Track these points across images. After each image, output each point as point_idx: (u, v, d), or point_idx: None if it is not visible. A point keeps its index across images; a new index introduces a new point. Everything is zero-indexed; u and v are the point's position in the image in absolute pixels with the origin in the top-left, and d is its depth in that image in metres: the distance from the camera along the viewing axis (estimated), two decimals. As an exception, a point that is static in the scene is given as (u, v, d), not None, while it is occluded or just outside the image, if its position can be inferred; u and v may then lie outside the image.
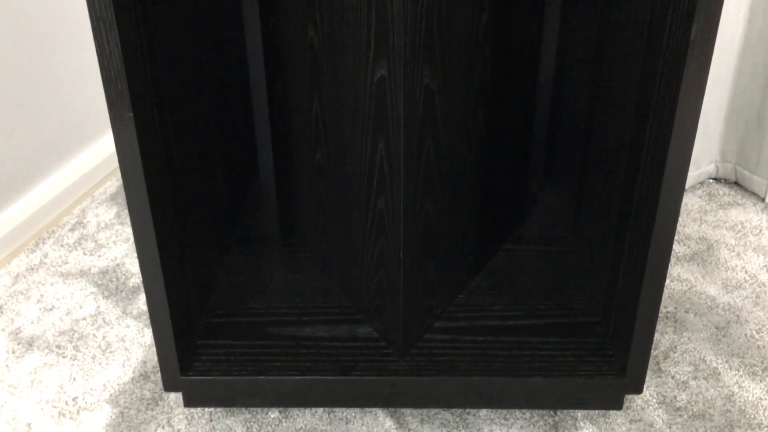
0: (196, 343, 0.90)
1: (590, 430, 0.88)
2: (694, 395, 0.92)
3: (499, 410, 0.90)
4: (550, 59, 1.07)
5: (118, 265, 1.15)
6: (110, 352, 0.97)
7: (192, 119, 0.90)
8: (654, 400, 0.92)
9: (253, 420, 0.89)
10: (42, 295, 1.08)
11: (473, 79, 0.84)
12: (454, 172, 0.87)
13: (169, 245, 0.83)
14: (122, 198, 1.34)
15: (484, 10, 0.81)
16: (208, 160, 0.97)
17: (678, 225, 1.25)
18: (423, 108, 0.77)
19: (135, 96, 0.71)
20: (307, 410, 0.90)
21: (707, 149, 1.34)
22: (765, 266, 1.13)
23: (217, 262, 1.02)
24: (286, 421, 0.89)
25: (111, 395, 0.92)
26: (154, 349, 0.96)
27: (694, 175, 1.34)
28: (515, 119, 1.00)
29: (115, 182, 1.38)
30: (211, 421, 0.89)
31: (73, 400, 0.91)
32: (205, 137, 0.96)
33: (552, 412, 0.90)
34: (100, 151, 1.40)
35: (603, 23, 0.89)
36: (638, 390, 0.85)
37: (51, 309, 1.05)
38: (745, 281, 1.10)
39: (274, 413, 0.90)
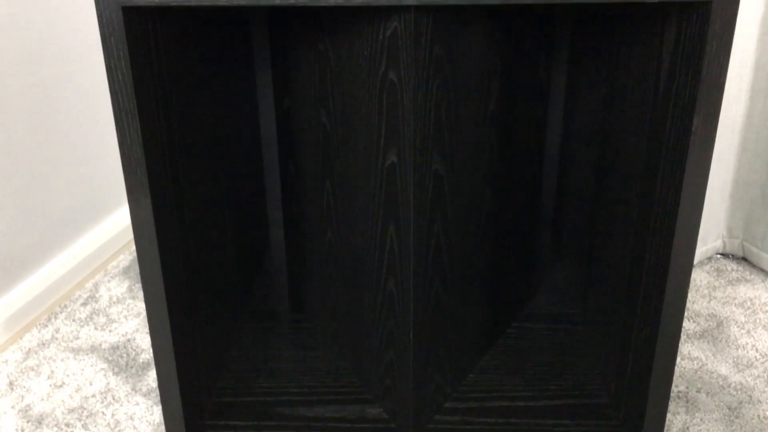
0: (206, 423, 0.90)
1: None
2: (708, 479, 0.90)
3: (511, 494, 0.89)
4: (555, 139, 1.10)
5: (128, 340, 1.16)
6: (119, 430, 0.97)
7: (207, 197, 0.92)
8: (668, 485, 0.90)
9: (261, 503, 0.88)
10: (52, 371, 1.09)
11: (481, 163, 0.86)
12: (463, 253, 0.88)
13: (181, 322, 0.84)
14: (135, 272, 1.35)
15: (490, 98, 0.84)
16: (221, 237, 0.99)
17: (687, 301, 1.25)
18: (432, 192, 0.79)
19: (153, 183, 0.74)
20: (316, 493, 0.89)
21: (714, 225, 1.35)
22: (776, 344, 1.13)
23: (228, 339, 1.03)
24: (294, 505, 0.87)
25: (118, 476, 0.91)
26: (162, 428, 0.96)
27: (701, 250, 1.35)
28: (523, 198, 1.02)
29: (128, 256, 1.40)
30: (219, 504, 0.88)
31: (81, 480, 0.90)
32: (218, 215, 0.98)
33: (564, 497, 0.88)
34: (114, 225, 1.42)
35: (607, 108, 0.92)
36: (651, 474, 0.84)
37: (61, 385, 1.06)
38: (756, 360, 1.10)
39: (282, 496, 0.89)
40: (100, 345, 1.15)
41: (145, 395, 1.03)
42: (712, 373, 1.07)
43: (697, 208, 0.74)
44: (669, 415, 0.98)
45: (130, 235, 1.43)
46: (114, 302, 1.26)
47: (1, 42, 1.11)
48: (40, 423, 0.99)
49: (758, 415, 0.99)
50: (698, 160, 0.71)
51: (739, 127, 1.28)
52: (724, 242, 1.37)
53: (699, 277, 1.31)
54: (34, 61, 1.18)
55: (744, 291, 1.27)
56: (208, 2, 0.64)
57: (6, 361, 1.11)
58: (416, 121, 0.74)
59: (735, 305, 1.23)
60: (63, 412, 1.00)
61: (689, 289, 1.30)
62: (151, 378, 1.06)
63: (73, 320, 1.21)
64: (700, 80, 0.67)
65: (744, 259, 1.36)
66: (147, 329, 1.17)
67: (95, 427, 0.98)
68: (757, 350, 1.12)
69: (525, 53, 0.90)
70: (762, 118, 1.26)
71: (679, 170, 0.72)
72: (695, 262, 1.35)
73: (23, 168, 1.18)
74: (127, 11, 0.65)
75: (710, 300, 1.25)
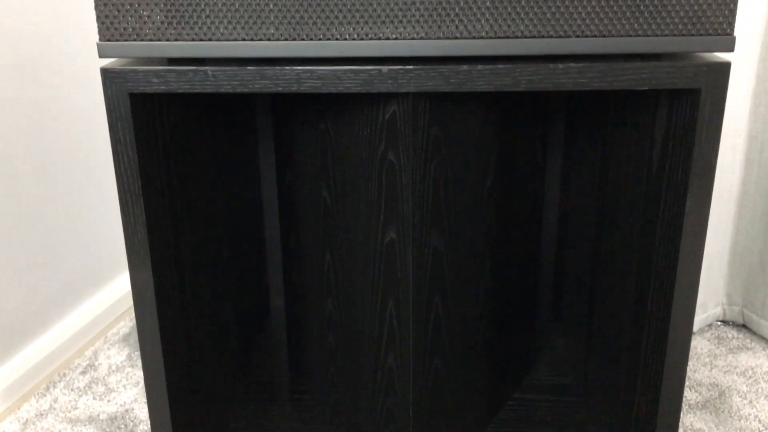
0: (203, 500, 0.89)
1: None
2: None
3: None
4: (553, 213, 1.11)
5: (127, 410, 1.15)
6: (115, 506, 0.96)
7: (208, 267, 0.93)
8: None
9: None
10: (49, 443, 1.08)
11: (479, 239, 0.87)
12: (463, 327, 0.88)
13: (180, 394, 0.84)
14: (135, 339, 1.35)
15: (488, 175, 0.85)
16: (221, 306, 1.00)
17: (688, 370, 1.24)
18: (431, 269, 0.80)
19: (155, 259, 0.75)
20: None
21: (713, 292, 1.35)
22: (779, 416, 1.12)
23: (226, 410, 1.02)
24: None
25: None
26: (159, 504, 0.95)
27: (701, 318, 1.34)
28: (521, 271, 1.03)
29: (128, 322, 1.40)
30: None
31: None
32: (219, 284, 0.99)
33: None
34: (114, 291, 1.42)
35: (602, 185, 0.94)
36: None
37: (57, 458, 1.05)
38: (760, 431, 1.09)
39: None
40: (98, 416, 1.14)
41: (142, 469, 1.02)
42: (716, 446, 1.06)
43: (693, 282, 0.75)
44: (672, 491, 0.97)
45: (131, 302, 1.43)
46: (113, 371, 1.25)
47: (8, 111, 1.13)
48: (35, 498, 0.97)
49: (763, 491, 0.98)
50: (692, 240, 0.72)
51: (735, 196, 1.30)
52: (723, 309, 1.37)
53: (700, 345, 1.31)
54: (39, 131, 1.21)
55: (745, 359, 1.27)
56: (212, 89, 0.67)
57: (3, 433, 1.10)
58: (415, 200, 0.75)
59: (736, 374, 1.23)
60: (58, 487, 0.99)
61: (690, 358, 1.30)
62: (149, 450, 1.05)
63: (72, 389, 1.20)
64: (692, 164, 0.68)
65: (744, 327, 1.36)
66: (146, 399, 1.16)
67: (91, 502, 0.96)
68: (759, 421, 1.11)
69: (521, 131, 0.92)
70: (757, 187, 1.28)
71: (673, 249, 0.74)
72: (695, 329, 1.35)
73: (24, 235, 1.20)
74: (135, 98, 0.67)
75: (711, 368, 1.24)
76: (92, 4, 0.62)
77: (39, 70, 1.19)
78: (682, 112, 0.69)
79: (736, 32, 1.16)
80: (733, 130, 1.25)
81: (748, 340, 1.32)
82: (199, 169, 0.88)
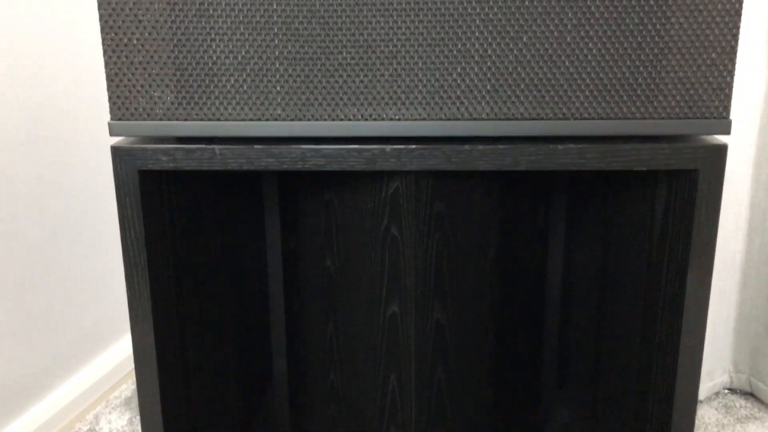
0: None
1: None
2: None
3: None
4: (556, 280, 1.11)
5: (126, 478, 1.13)
6: None
7: (211, 332, 0.93)
8: None
9: None
10: None
11: (482, 309, 0.88)
12: (466, 398, 0.88)
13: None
14: (137, 402, 1.34)
15: (490, 245, 0.86)
16: (223, 371, 0.99)
17: (696, 441, 1.22)
18: (434, 341, 0.80)
19: (159, 328, 0.75)
20: None
21: (720, 360, 1.34)
22: (789, 491, 1.09)
23: (226, 482, 1.01)
24: None
25: None
26: None
27: (708, 386, 1.33)
28: (525, 338, 1.03)
29: (130, 385, 1.40)
30: None
31: None
32: (222, 350, 0.98)
33: None
34: (116, 354, 1.42)
35: (606, 254, 0.94)
36: None
37: None
38: (771, 507, 1.06)
39: None
40: (97, 483, 1.12)
41: None
42: None
43: (696, 354, 0.75)
44: None
45: (133, 364, 1.43)
46: (114, 435, 1.24)
47: (17, 176, 1.16)
48: None
49: None
50: (695, 315, 0.72)
51: (739, 264, 1.30)
52: (731, 377, 1.36)
53: (707, 414, 1.29)
54: (45, 194, 1.22)
55: (754, 430, 1.25)
56: (219, 167, 0.68)
57: (0, 500, 1.09)
58: (417, 274, 0.76)
59: (745, 446, 1.21)
60: None
61: (698, 427, 1.28)
62: None
63: (72, 455, 1.19)
64: (692, 242, 0.69)
65: (752, 395, 1.34)
66: (145, 466, 1.14)
67: None
68: (770, 496, 1.09)
69: (523, 202, 0.93)
70: (761, 255, 1.28)
71: (676, 323, 0.74)
72: (703, 397, 1.33)
73: (25, 298, 1.20)
74: (143, 174, 0.69)
75: (720, 439, 1.23)
76: (104, 84, 0.65)
77: (50, 139, 1.21)
78: (681, 190, 0.70)
79: (737, 101, 1.18)
80: (735, 198, 1.26)
81: (756, 409, 1.30)
82: (205, 238, 0.89)
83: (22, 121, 1.15)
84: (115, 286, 1.40)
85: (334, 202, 0.86)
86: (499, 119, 0.67)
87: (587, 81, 0.65)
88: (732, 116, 0.69)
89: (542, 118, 0.66)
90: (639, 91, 0.65)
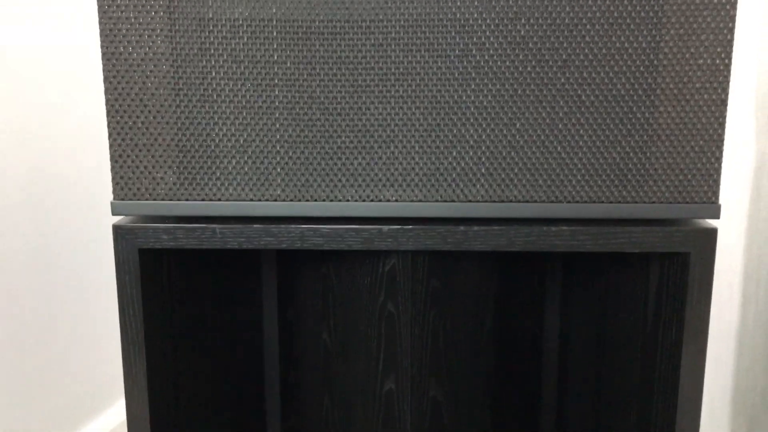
0: None
1: None
2: None
3: None
4: (553, 347, 1.12)
5: None
6: None
7: (207, 404, 0.93)
8: None
9: None
10: None
11: (479, 383, 0.88)
12: (462, 476, 0.87)
13: None
14: (127, 472, 1.32)
15: (486, 317, 0.87)
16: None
17: None
18: (430, 419, 0.80)
19: (154, 400, 0.75)
20: None
21: (717, 431, 1.33)
22: None
23: None
24: None
25: None
26: None
27: (707, 457, 1.32)
28: (522, 413, 1.02)
29: (122, 453, 1.38)
30: None
31: None
32: (217, 421, 0.98)
33: None
34: (110, 420, 1.41)
35: (601, 323, 0.95)
36: None
37: None
38: None
39: None
40: None
41: None
42: None
43: (693, 424, 0.75)
44: None
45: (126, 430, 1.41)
46: (104, 507, 1.22)
47: (15, 244, 1.16)
48: None
49: None
50: (690, 391, 0.72)
51: (735, 332, 1.30)
52: (729, 448, 1.35)
53: (707, 487, 1.28)
54: (43, 264, 1.23)
55: (754, 504, 1.23)
56: (219, 245, 0.69)
57: None
58: (413, 351, 0.76)
59: None
60: None
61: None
62: None
63: None
64: (685, 322, 0.70)
65: (752, 467, 1.33)
66: None
67: None
68: None
69: (519, 275, 0.94)
70: (756, 325, 1.28)
71: (672, 402, 0.74)
72: (702, 469, 1.32)
73: (20, 364, 1.20)
74: (144, 252, 0.70)
75: None
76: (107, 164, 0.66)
77: (49, 209, 1.23)
78: (673, 271, 0.71)
79: (727, 174, 1.20)
80: (728, 267, 1.28)
81: (756, 483, 1.29)
82: (202, 311, 0.90)
83: (23, 188, 1.17)
84: (110, 349, 1.40)
85: (332, 276, 0.87)
86: (494, 201, 0.68)
87: (579, 166, 0.67)
88: (723, 184, 0.70)
89: (536, 201, 0.68)
90: (630, 176, 0.67)
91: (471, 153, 0.67)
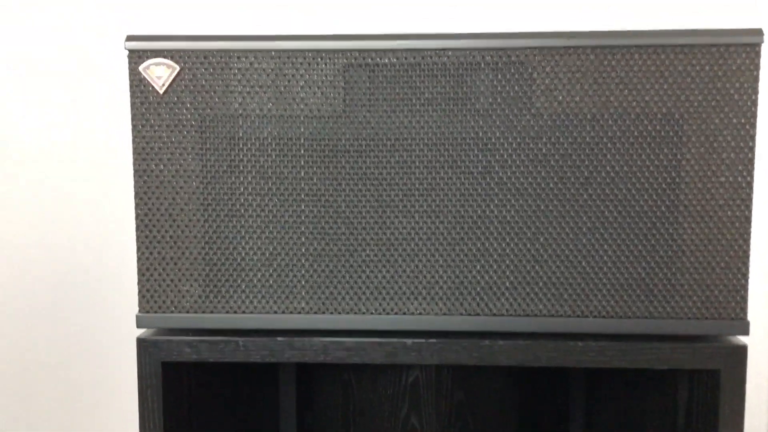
0: None
1: None
2: None
3: None
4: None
5: None
6: None
7: None
8: None
9: None
10: None
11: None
12: None
13: None
14: None
15: (510, 430, 0.85)
16: None
17: None
18: None
19: None
20: None
21: None
22: None
23: None
24: None
25: None
26: None
27: None
28: None
29: None
30: None
31: None
32: None
33: None
34: None
35: (628, 438, 0.92)
36: None
37: None
38: None
39: None
40: None
41: None
42: None
43: None
44: None
45: None
46: None
47: (36, 349, 1.16)
48: None
49: None
50: None
51: (766, 439, 1.26)
52: None
53: None
54: (61, 367, 1.23)
55: None
56: (242, 359, 0.69)
57: None
58: (437, 467, 0.74)
59: None
60: None
61: None
62: None
63: None
64: (718, 443, 0.68)
65: None
66: None
67: None
68: None
69: (542, 384, 0.92)
70: (788, 431, 1.24)
71: None
72: None
73: (40, 470, 1.17)
74: (167, 366, 0.69)
75: None
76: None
77: (72, 311, 1.23)
78: (703, 388, 0.70)
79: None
80: (755, 372, 1.25)
81: None
82: (221, 419, 0.88)
83: (47, 293, 1.17)
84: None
85: (353, 383, 0.86)
86: (519, 315, 0.68)
87: (604, 281, 0.67)
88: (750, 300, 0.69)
89: (561, 315, 0.67)
90: (656, 291, 0.66)
91: (495, 267, 0.68)
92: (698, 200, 0.65)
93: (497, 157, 0.66)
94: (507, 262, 0.67)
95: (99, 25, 1.12)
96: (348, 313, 0.69)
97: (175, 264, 0.68)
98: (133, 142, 0.67)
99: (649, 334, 0.68)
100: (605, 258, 0.67)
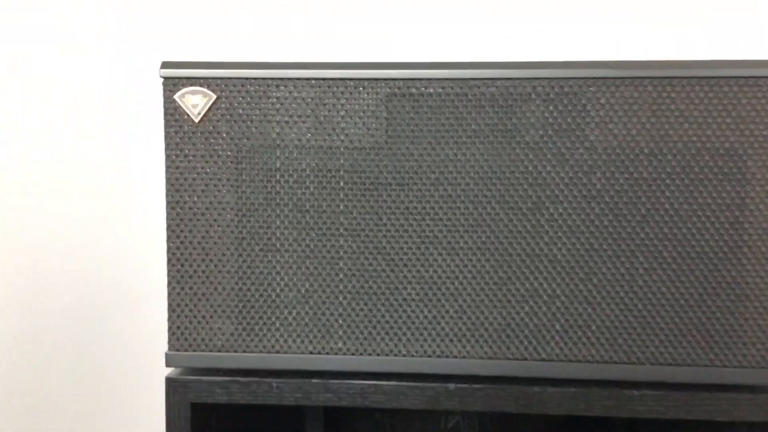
0: None
1: None
2: None
3: None
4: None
5: None
6: None
7: None
8: None
9: None
10: None
11: None
12: None
13: None
14: None
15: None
16: None
17: None
18: None
19: None
20: None
21: None
22: None
23: None
24: None
25: None
26: None
27: None
28: None
29: None
30: None
31: None
32: None
33: None
34: None
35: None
36: None
37: None
38: None
39: None
40: None
41: None
42: None
43: None
44: None
45: None
46: None
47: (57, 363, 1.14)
48: None
49: None
50: None
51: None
52: None
53: None
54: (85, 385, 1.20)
55: None
56: (275, 401, 0.65)
57: None
58: None
59: None
60: None
61: None
62: None
63: None
64: (784, 501, 0.63)
65: None
66: None
67: None
68: None
69: (586, 430, 0.88)
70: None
71: None
72: None
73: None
74: (196, 407, 0.66)
75: None
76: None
77: (96, 348, 1.21)
78: (766, 441, 0.65)
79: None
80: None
81: None
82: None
83: (66, 326, 1.15)
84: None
85: (387, 425, 0.82)
86: (570, 361, 0.64)
87: (661, 325, 0.63)
88: None
89: (615, 362, 0.63)
90: (717, 338, 0.62)
91: (545, 308, 0.64)
92: (763, 241, 0.61)
93: (548, 192, 0.63)
94: (557, 303, 0.64)
95: (99, 25, 1.09)
96: (387, 354, 0.65)
97: (207, 300, 0.65)
98: (167, 172, 0.64)
99: (709, 384, 0.63)
100: (663, 301, 0.63)
